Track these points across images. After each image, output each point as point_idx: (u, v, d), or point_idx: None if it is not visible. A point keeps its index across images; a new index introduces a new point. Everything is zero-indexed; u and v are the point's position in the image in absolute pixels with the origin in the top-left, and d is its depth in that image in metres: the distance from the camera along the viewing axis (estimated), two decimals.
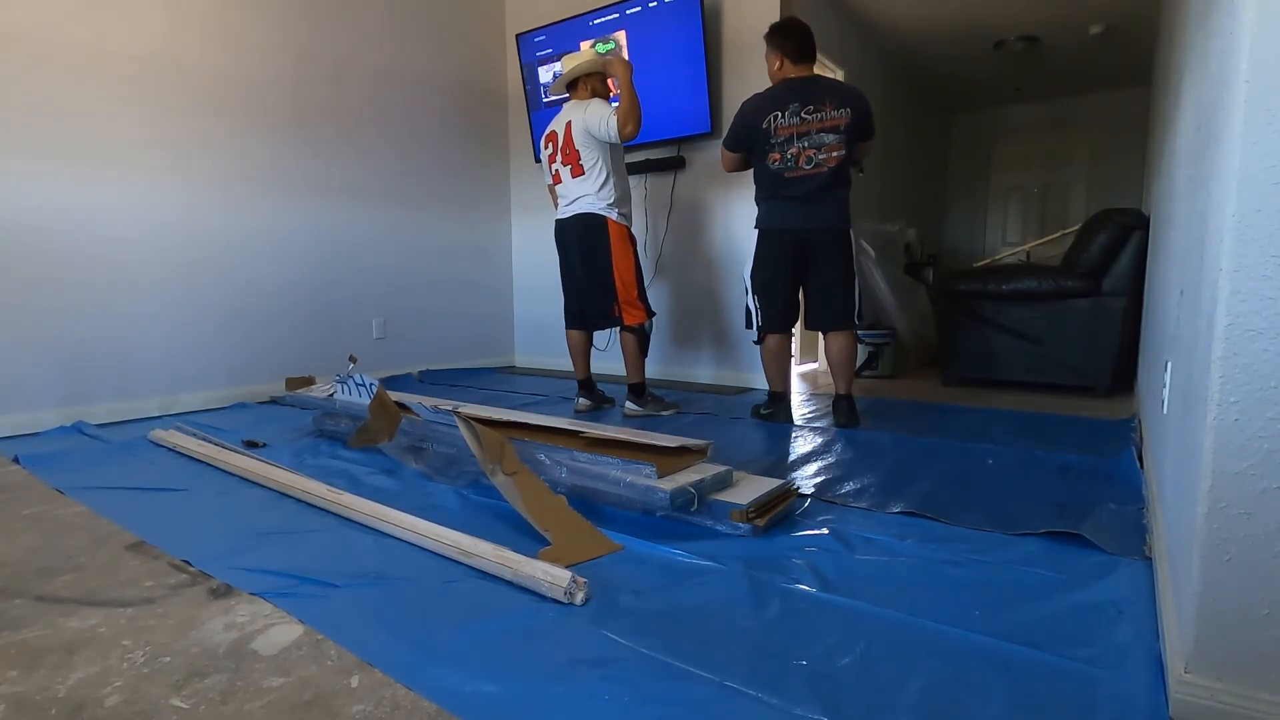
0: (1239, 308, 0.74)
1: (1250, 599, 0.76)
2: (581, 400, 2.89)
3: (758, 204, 2.55)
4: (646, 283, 2.92)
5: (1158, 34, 3.39)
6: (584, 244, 2.71)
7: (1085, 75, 5.59)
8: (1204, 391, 0.81)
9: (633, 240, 2.73)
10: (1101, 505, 1.56)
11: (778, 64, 2.45)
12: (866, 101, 2.42)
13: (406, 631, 1.04)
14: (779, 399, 2.62)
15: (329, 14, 3.33)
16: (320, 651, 0.96)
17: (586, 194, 2.68)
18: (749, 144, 2.48)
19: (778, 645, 1.00)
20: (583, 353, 2.89)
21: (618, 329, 2.75)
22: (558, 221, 2.82)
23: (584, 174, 2.67)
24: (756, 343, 2.63)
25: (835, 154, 2.36)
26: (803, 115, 2.37)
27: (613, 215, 2.66)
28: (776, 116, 2.39)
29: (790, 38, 2.43)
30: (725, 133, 2.60)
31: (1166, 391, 1.37)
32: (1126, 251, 3.00)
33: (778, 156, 2.41)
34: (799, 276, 2.51)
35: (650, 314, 2.75)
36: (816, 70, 2.52)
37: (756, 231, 2.55)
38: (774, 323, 2.54)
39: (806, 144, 2.38)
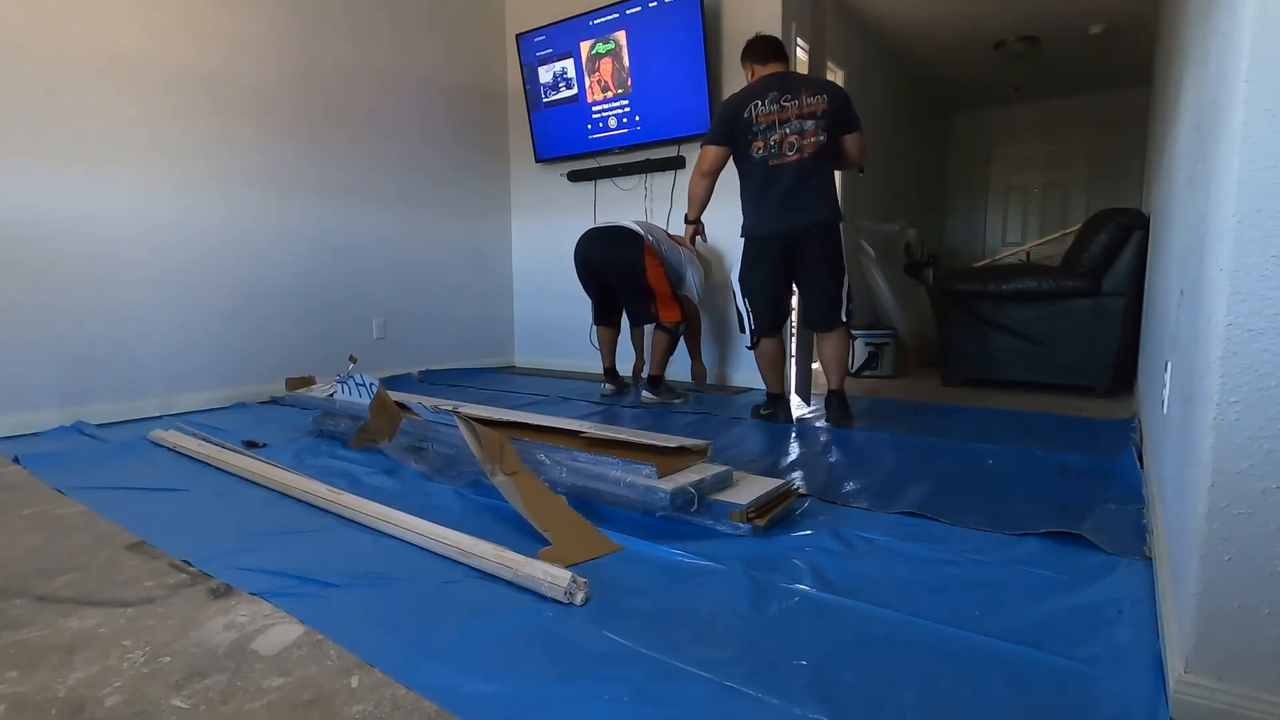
0: (1239, 308, 0.74)
1: (1250, 599, 0.76)
2: (607, 386, 3.26)
3: (743, 210, 2.54)
4: None
5: (1158, 34, 3.39)
6: (614, 257, 3.00)
7: (1085, 75, 5.59)
8: (1204, 391, 0.81)
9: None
10: (1101, 505, 1.56)
11: (750, 73, 2.58)
12: (843, 91, 2.46)
13: (406, 631, 1.04)
14: (778, 399, 2.62)
15: (328, 14, 3.33)
16: (320, 651, 0.96)
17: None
18: (731, 133, 2.47)
19: (778, 645, 1.00)
20: (610, 345, 3.28)
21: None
22: (588, 232, 3.11)
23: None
24: (750, 348, 2.63)
25: (814, 139, 2.38)
26: (781, 103, 2.40)
27: (648, 239, 2.98)
28: (757, 104, 2.42)
29: (756, 44, 2.56)
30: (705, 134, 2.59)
31: (1166, 391, 1.37)
32: (1126, 251, 3.00)
33: (761, 144, 2.42)
34: (789, 277, 2.51)
35: (684, 316, 3.03)
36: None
37: (744, 240, 2.54)
38: (766, 326, 2.54)
39: (788, 130, 2.39)
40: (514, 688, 0.89)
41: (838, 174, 2.54)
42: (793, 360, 3.45)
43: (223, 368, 3.03)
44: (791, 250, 2.44)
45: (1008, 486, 1.75)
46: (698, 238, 2.80)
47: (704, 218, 2.73)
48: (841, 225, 2.48)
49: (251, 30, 3.05)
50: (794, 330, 3.09)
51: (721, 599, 1.15)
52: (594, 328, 3.34)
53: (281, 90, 3.17)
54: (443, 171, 3.93)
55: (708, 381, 3.46)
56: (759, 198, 2.47)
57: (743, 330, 2.61)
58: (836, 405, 2.49)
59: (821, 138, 2.38)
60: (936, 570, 1.26)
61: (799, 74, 2.53)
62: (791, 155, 2.39)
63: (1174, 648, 0.86)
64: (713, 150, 2.52)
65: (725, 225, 2.84)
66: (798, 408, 2.91)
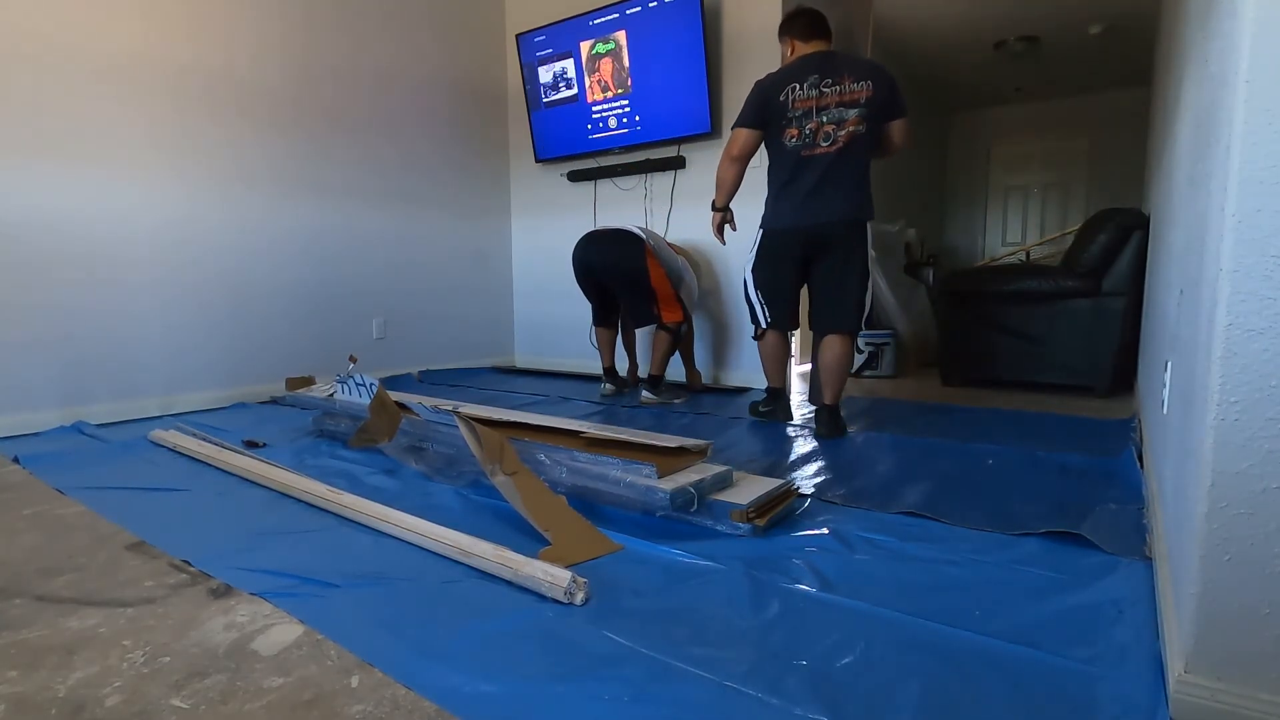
0: (1239, 308, 0.74)
1: (1250, 599, 0.76)
2: (607, 385, 3.27)
3: (767, 199, 2.41)
4: None
5: (1158, 34, 3.39)
6: (614, 258, 3.01)
7: (1085, 75, 5.59)
8: (1204, 391, 0.81)
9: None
10: (1101, 505, 1.56)
11: (790, 49, 2.37)
12: (889, 75, 2.25)
13: (406, 631, 1.04)
14: (778, 395, 2.55)
15: (328, 14, 3.33)
16: (320, 651, 0.96)
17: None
18: (765, 118, 2.31)
19: (778, 645, 1.00)
20: (609, 345, 3.30)
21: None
22: (588, 234, 3.13)
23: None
24: (755, 339, 2.53)
25: (853, 129, 2.21)
26: (821, 89, 2.22)
27: (649, 242, 3.00)
28: (795, 88, 2.25)
29: (797, 18, 2.35)
30: (737, 116, 2.39)
31: (1166, 391, 1.37)
32: (1126, 251, 3.00)
33: (795, 132, 2.26)
34: (805, 274, 2.39)
35: (686, 317, 3.05)
36: None
37: (761, 231, 2.42)
38: (777, 321, 2.44)
39: (825, 119, 2.22)
40: (514, 688, 0.89)
41: None
42: (792, 360, 3.45)
43: (223, 368, 3.03)
44: (812, 246, 2.31)
45: (1008, 486, 1.75)
46: (726, 226, 2.60)
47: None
48: (869, 225, 2.31)
49: (252, 30, 3.05)
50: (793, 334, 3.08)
51: (721, 599, 1.15)
52: (593, 329, 3.34)
53: (282, 90, 3.17)
54: (443, 171, 3.93)
55: (704, 382, 3.46)
56: (785, 188, 2.32)
57: (754, 321, 2.50)
58: (827, 418, 2.36)
59: (861, 128, 2.21)
60: (936, 570, 1.26)
61: (843, 55, 2.32)
62: (825, 146, 2.23)
63: (1174, 648, 0.86)
64: (744, 134, 2.35)
65: (741, 218, 2.74)
66: (799, 406, 2.91)
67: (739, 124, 2.37)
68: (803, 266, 2.38)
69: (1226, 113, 0.80)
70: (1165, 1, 2.79)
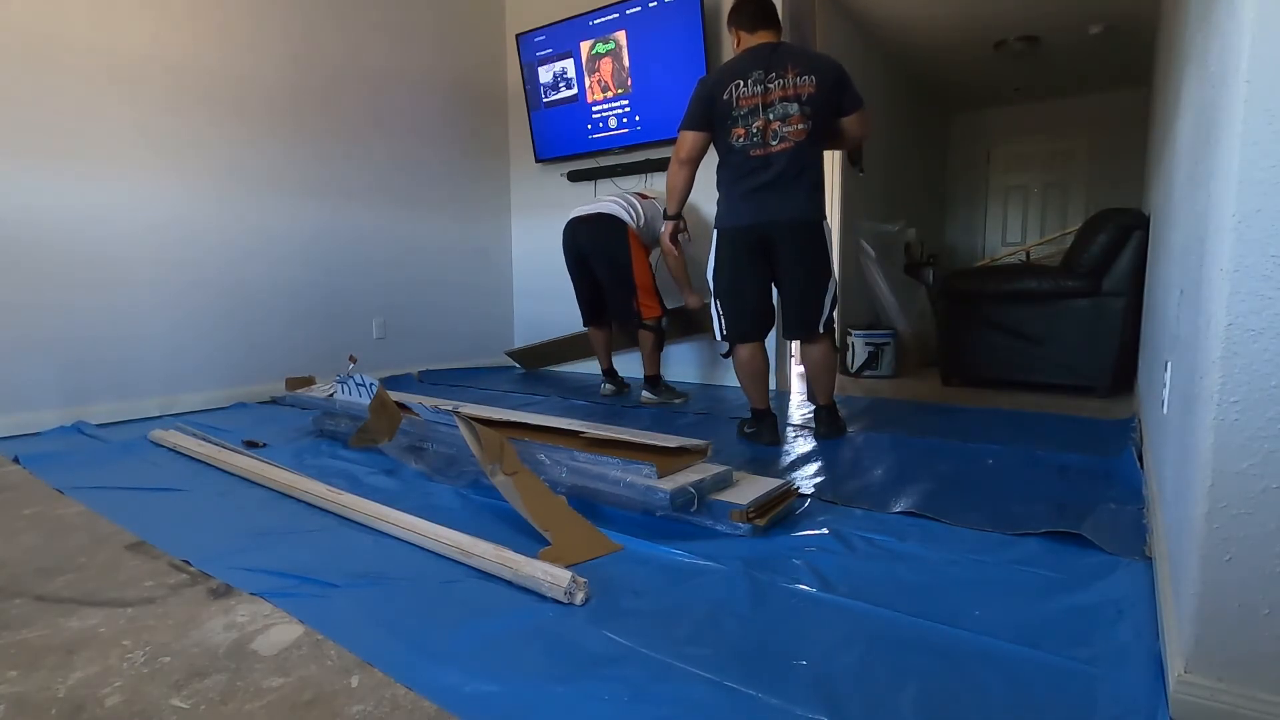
0: (1239, 308, 0.74)
1: (1250, 599, 0.76)
2: (606, 386, 3.28)
3: (718, 200, 2.30)
4: None
5: (1157, 34, 3.39)
6: (602, 244, 3.00)
7: (1085, 75, 5.59)
8: (1204, 391, 0.81)
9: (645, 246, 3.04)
10: (1101, 505, 1.56)
11: (736, 41, 2.28)
12: (837, 68, 2.16)
13: (406, 631, 1.04)
14: (762, 416, 2.31)
15: (328, 13, 3.33)
16: (320, 651, 0.96)
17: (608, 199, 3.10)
18: (709, 119, 2.22)
19: (778, 645, 1.00)
20: (604, 346, 3.30)
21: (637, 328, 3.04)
22: (574, 219, 3.11)
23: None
24: (725, 355, 2.37)
25: (799, 126, 2.11)
26: (766, 84, 2.13)
27: (631, 224, 2.99)
28: (738, 85, 2.16)
29: (743, 8, 2.25)
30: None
31: (1166, 391, 1.37)
32: (1126, 251, 3.00)
33: (742, 131, 2.16)
34: (768, 276, 2.26)
35: (664, 310, 3.04)
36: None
37: (715, 230, 2.30)
38: (743, 331, 2.27)
39: (772, 115, 2.13)
40: (514, 688, 0.89)
41: (837, 171, 2.38)
42: (792, 360, 3.46)
43: (222, 368, 3.03)
44: (768, 246, 2.20)
45: (1008, 486, 1.75)
46: (680, 235, 2.59)
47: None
48: (826, 224, 2.22)
49: (251, 30, 3.05)
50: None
51: (721, 599, 1.15)
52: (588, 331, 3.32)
53: (281, 90, 3.17)
54: (442, 171, 3.93)
55: (706, 381, 3.47)
56: (736, 184, 2.22)
57: (718, 337, 2.34)
58: (826, 418, 2.33)
59: (808, 124, 2.11)
60: (936, 570, 1.26)
61: (789, 47, 2.22)
62: (776, 145, 2.13)
63: (1174, 648, 0.86)
64: (690, 136, 2.27)
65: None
66: (798, 408, 2.91)
67: (684, 126, 2.30)
68: (763, 266, 2.25)
69: (1226, 113, 0.80)
70: (1165, 1, 2.79)
